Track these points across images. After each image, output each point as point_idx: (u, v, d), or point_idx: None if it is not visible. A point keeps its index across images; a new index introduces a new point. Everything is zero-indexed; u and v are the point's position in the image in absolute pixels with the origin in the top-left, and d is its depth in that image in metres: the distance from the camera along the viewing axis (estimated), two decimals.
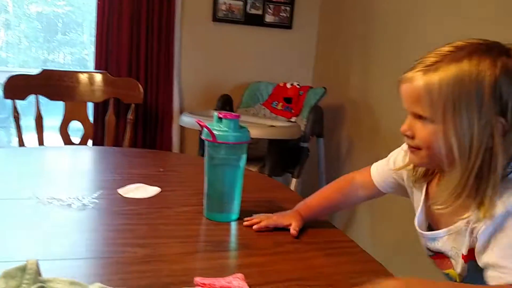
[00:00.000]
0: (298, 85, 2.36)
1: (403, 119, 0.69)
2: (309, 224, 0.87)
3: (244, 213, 0.87)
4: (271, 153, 2.04)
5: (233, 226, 0.84)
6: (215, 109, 2.30)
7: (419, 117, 0.65)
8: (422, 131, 0.65)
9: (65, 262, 0.66)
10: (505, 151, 0.62)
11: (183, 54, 2.48)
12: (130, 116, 1.98)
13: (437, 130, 0.63)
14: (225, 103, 2.29)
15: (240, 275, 0.59)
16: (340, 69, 2.48)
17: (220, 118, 0.82)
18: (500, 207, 0.61)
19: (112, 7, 2.19)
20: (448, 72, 0.62)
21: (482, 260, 0.62)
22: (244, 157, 0.85)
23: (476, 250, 0.64)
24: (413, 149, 0.68)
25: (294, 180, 2.15)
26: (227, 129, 0.81)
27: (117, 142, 2.05)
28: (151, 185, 1.03)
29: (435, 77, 0.62)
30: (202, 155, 2.05)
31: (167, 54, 2.38)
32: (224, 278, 0.58)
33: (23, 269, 0.54)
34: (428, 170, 0.74)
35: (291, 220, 0.82)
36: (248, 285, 0.58)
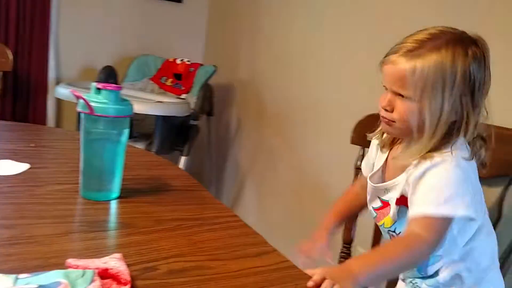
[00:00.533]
0: (188, 61, 2.32)
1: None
2: (194, 201, 0.86)
3: (126, 191, 0.83)
4: (159, 130, 1.98)
5: (113, 205, 0.80)
6: (97, 81, 2.15)
7: (399, 95, 0.76)
8: (400, 107, 0.76)
9: None
10: (470, 123, 0.75)
11: (62, 18, 2.26)
12: None
13: (414, 107, 0.74)
14: (109, 76, 2.16)
15: (118, 255, 0.56)
16: (230, 48, 2.49)
17: (98, 89, 0.76)
18: (432, 160, 0.74)
19: None
20: (430, 59, 0.73)
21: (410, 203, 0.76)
22: (126, 132, 0.80)
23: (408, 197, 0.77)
24: (389, 121, 0.79)
25: (182, 158, 2.12)
26: (106, 101, 0.76)
27: None
28: (19, 161, 0.93)
29: (419, 62, 0.73)
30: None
31: (43, 16, 2.15)
32: (99, 259, 0.55)
33: None
34: (395, 138, 0.86)
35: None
36: (127, 264, 0.55)
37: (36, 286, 0.47)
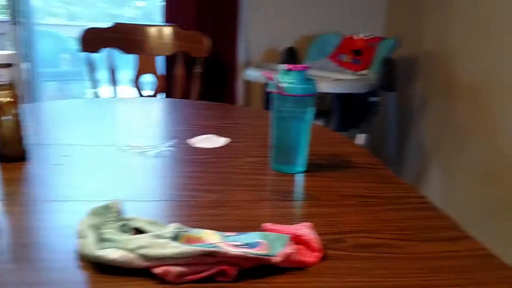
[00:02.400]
0: (367, 36, 2.25)
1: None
2: (377, 179, 0.86)
3: (311, 166, 0.87)
4: (337, 107, 2.00)
5: (299, 178, 0.85)
6: (280, 63, 2.27)
7: None
8: None
9: (142, 203, 0.71)
10: None
11: (250, 3, 2.44)
12: (198, 69, 2.02)
13: None
14: (291, 57, 2.26)
15: (308, 223, 0.61)
16: (414, 18, 2.33)
17: (287, 70, 0.81)
18: None
19: None
20: None
21: None
22: (311, 110, 0.84)
23: None
24: None
25: (361, 136, 2.11)
26: (294, 81, 0.81)
27: (185, 95, 2.11)
28: (219, 136, 1.06)
29: None
30: (267, 108, 2.06)
31: (234, 6, 2.36)
32: (292, 226, 0.60)
33: (107, 208, 0.59)
34: None
35: None
36: (316, 234, 0.59)
37: (240, 243, 0.54)
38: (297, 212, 0.73)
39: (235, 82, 2.46)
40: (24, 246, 0.56)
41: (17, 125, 0.80)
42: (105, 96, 1.98)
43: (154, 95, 2.03)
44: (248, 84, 2.48)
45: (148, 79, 2.01)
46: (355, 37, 2.28)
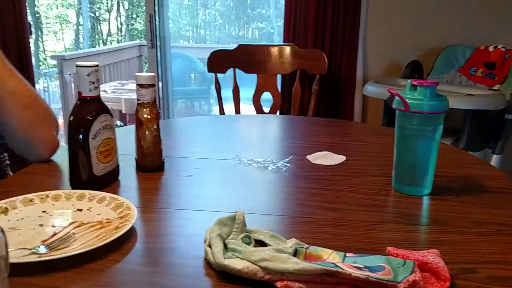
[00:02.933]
0: (503, 48, 2.05)
1: None
2: None
3: (438, 188, 0.81)
4: (467, 125, 1.84)
5: (425, 200, 0.80)
6: (402, 77, 2.18)
7: None
8: None
9: (263, 216, 0.73)
10: None
11: (369, 18, 2.39)
12: (315, 86, 2.04)
13: None
14: (414, 70, 2.15)
15: (435, 250, 0.57)
16: None
17: (414, 86, 0.78)
18: None
19: None
20: None
21: None
22: (440, 128, 0.79)
23: None
24: None
25: (494, 156, 1.91)
26: (421, 97, 0.77)
27: (301, 112, 2.14)
28: (337, 153, 1.05)
29: None
30: (387, 125, 1.99)
31: (353, 22, 2.34)
32: (418, 252, 0.56)
33: (233, 219, 0.62)
34: None
35: None
36: (444, 262, 0.54)
37: (362, 266, 0.52)
38: (422, 238, 0.68)
39: (352, 98, 2.42)
40: (157, 250, 0.62)
41: (156, 139, 0.89)
42: (229, 113, 2.10)
43: (273, 112, 2.09)
44: (366, 100, 2.42)
45: (267, 96, 2.08)
46: (490, 49, 2.08)
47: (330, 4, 2.27)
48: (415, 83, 0.77)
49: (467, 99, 1.74)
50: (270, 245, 0.59)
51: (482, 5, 2.31)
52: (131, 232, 0.64)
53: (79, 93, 0.79)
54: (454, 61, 2.21)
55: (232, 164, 0.98)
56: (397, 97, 0.78)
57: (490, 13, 2.31)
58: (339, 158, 1.03)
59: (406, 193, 0.82)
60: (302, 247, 0.58)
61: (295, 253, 0.56)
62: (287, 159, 1.01)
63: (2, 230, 0.39)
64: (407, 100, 0.77)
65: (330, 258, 0.55)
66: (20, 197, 0.71)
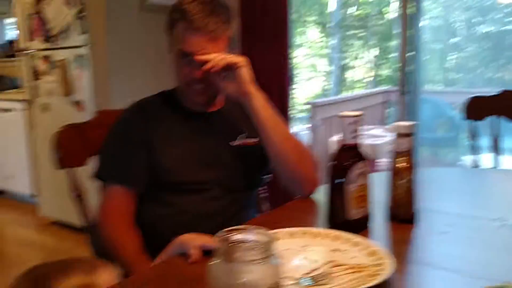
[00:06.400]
0: None
1: None
2: None
3: None
4: None
5: None
6: None
7: None
8: None
9: None
10: None
11: None
12: None
13: None
14: None
15: None
16: None
17: None
18: None
19: None
20: None
21: None
22: None
23: None
24: None
25: None
26: None
27: None
28: None
29: None
30: None
31: None
32: None
33: None
34: None
35: None
36: None
37: None
38: None
39: None
40: None
41: (410, 189, 0.87)
42: (485, 165, 1.88)
43: None
44: None
45: None
46: None
47: None
48: None
49: None
50: None
51: None
52: (385, 282, 0.64)
53: (342, 140, 0.85)
54: None
55: (494, 226, 0.87)
56: None
57: None
58: None
59: None
60: None
61: None
62: None
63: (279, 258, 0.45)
64: None
65: None
66: (285, 230, 0.80)
